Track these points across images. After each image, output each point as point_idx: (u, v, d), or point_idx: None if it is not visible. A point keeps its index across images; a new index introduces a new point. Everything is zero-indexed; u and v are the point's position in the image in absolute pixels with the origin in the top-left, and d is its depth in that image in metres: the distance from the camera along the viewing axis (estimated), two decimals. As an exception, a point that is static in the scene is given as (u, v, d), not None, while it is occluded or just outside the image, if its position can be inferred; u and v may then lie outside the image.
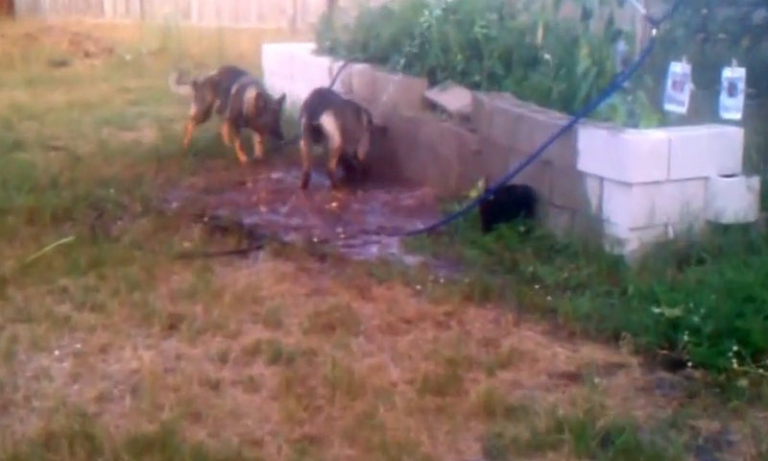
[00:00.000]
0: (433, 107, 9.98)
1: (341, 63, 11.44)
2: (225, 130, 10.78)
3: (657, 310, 5.84)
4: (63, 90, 14.40)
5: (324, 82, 11.53)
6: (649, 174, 7.05)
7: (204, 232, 7.89)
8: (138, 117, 12.80)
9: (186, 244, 7.58)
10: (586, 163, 7.35)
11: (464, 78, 9.92)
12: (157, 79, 15.45)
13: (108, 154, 10.48)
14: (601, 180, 7.21)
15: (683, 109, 7.63)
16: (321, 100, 9.45)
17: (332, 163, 9.33)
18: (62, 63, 16.92)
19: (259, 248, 7.56)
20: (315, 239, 7.79)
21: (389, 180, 9.81)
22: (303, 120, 9.28)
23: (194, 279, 6.83)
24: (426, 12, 10.28)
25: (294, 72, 12.80)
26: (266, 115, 10.35)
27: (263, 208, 8.76)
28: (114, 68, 16.66)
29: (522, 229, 7.68)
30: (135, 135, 11.78)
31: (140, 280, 6.75)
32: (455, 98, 9.76)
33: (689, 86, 7.59)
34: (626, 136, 7.16)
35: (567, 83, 8.50)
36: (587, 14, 8.71)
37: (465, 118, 9.42)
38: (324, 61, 11.91)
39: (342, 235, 8.00)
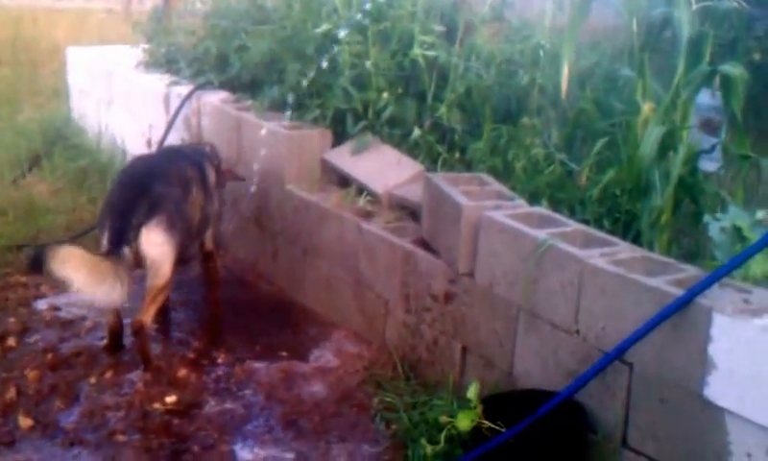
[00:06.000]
0: (343, 179, 5.81)
1: (185, 89, 7.05)
2: None
3: None
4: None
5: (157, 114, 7.24)
6: None
7: None
8: None
9: None
10: (725, 390, 3.26)
11: (393, 130, 5.79)
12: None
13: None
14: None
15: None
16: (136, 188, 4.89)
17: (147, 314, 4.81)
18: None
19: None
20: None
21: (271, 314, 5.62)
22: (105, 235, 4.80)
23: None
24: (327, 16, 6.10)
25: (113, 95, 8.34)
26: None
27: (24, 422, 4.29)
28: None
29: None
30: None
31: None
32: (382, 168, 5.63)
33: None
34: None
35: (625, 169, 4.46)
36: (652, 35, 4.59)
37: (404, 207, 5.33)
38: (158, 83, 7.48)
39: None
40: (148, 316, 4.77)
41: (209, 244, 5.49)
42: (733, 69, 4.30)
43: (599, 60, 5.50)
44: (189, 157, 5.40)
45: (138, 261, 4.66)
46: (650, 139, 4.25)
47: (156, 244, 4.64)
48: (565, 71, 4.63)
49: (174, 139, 6.87)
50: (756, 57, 6.62)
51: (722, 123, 4.67)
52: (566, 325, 3.83)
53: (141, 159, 5.45)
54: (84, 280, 4.32)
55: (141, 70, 8.01)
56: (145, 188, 4.76)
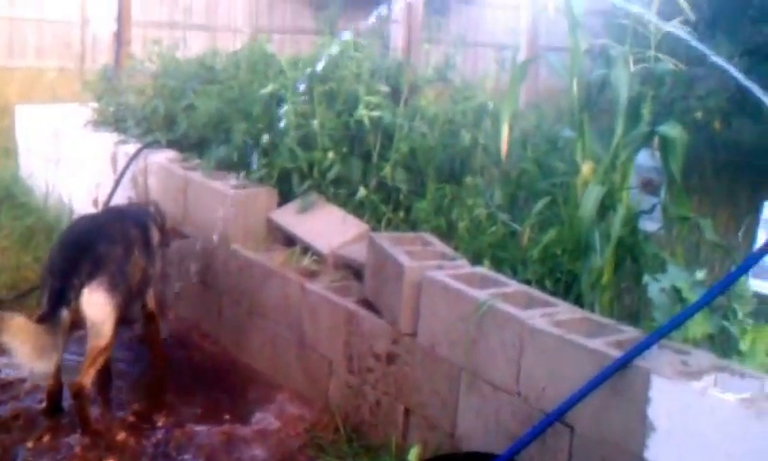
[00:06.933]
0: (289, 238, 5.78)
1: (132, 148, 7.01)
2: None
3: None
4: None
5: (104, 173, 7.18)
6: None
7: None
8: None
9: None
10: (664, 452, 3.25)
11: (339, 189, 5.79)
12: None
13: None
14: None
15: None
16: (78, 248, 4.84)
17: (87, 376, 4.71)
18: None
19: None
20: None
21: (214, 375, 5.55)
22: (45, 295, 4.71)
23: None
24: (273, 77, 6.10)
25: (61, 153, 8.27)
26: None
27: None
28: None
29: None
30: None
31: None
32: (327, 227, 5.61)
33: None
34: None
35: (565, 229, 4.47)
36: (594, 93, 4.63)
37: (349, 267, 5.32)
38: (106, 142, 7.43)
39: None
40: (87, 378, 4.69)
41: (151, 304, 5.43)
42: (672, 130, 4.34)
43: (540, 122, 5.55)
44: (132, 216, 5.36)
45: (79, 321, 4.59)
46: (589, 200, 4.26)
47: (97, 304, 4.58)
48: (505, 131, 4.65)
49: (121, 198, 6.81)
50: (699, 116, 6.69)
51: (662, 183, 4.70)
52: (507, 386, 3.81)
53: (84, 219, 5.41)
54: (18, 350, 4.24)
55: (90, 129, 7.94)
56: (87, 248, 4.71)
